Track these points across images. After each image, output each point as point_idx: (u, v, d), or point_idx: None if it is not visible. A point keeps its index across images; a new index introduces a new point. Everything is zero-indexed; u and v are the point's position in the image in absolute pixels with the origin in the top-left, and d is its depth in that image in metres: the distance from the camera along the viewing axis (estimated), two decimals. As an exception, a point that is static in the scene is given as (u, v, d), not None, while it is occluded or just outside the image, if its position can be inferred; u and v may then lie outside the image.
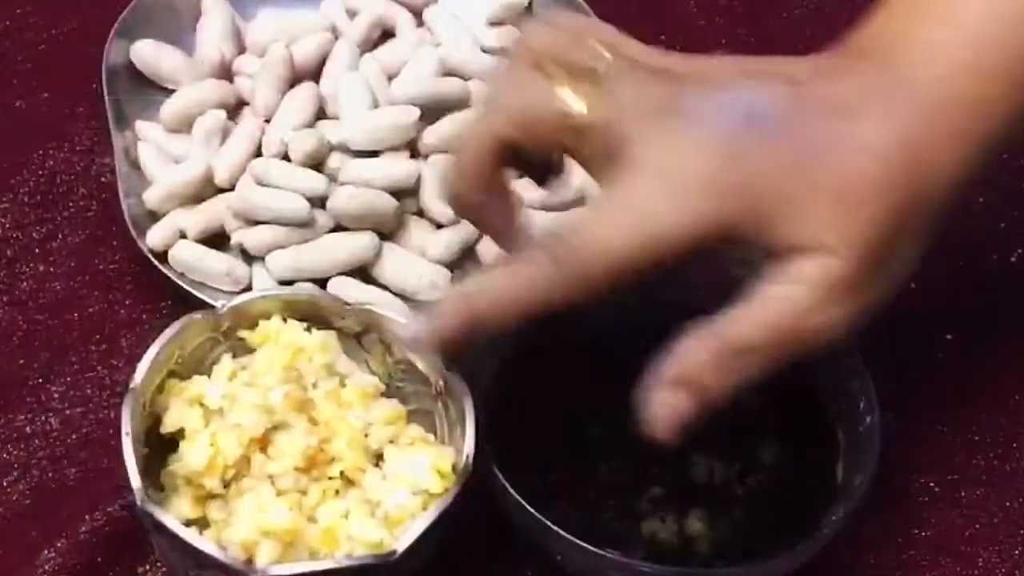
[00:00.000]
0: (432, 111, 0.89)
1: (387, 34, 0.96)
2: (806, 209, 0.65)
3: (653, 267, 0.67)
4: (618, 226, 0.66)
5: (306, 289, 0.82)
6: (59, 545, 0.75)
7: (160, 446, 0.73)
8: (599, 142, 0.67)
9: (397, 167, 0.86)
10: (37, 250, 0.87)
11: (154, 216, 0.86)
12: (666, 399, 0.67)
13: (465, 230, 0.86)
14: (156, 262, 0.84)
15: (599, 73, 0.68)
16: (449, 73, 0.91)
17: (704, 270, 0.82)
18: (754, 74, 0.68)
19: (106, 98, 0.90)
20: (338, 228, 0.85)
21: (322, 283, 0.84)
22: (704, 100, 0.67)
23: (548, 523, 0.71)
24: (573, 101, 0.67)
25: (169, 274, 0.84)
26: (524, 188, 0.87)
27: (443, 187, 0.73)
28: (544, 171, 0.72)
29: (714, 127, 0.66)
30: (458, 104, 0.89)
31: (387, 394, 0.76)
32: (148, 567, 0.76)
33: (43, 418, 0.81)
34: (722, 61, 0.70)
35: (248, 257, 0.85)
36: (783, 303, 0.66)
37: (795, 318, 0.66)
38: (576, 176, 0.90)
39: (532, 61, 0.68)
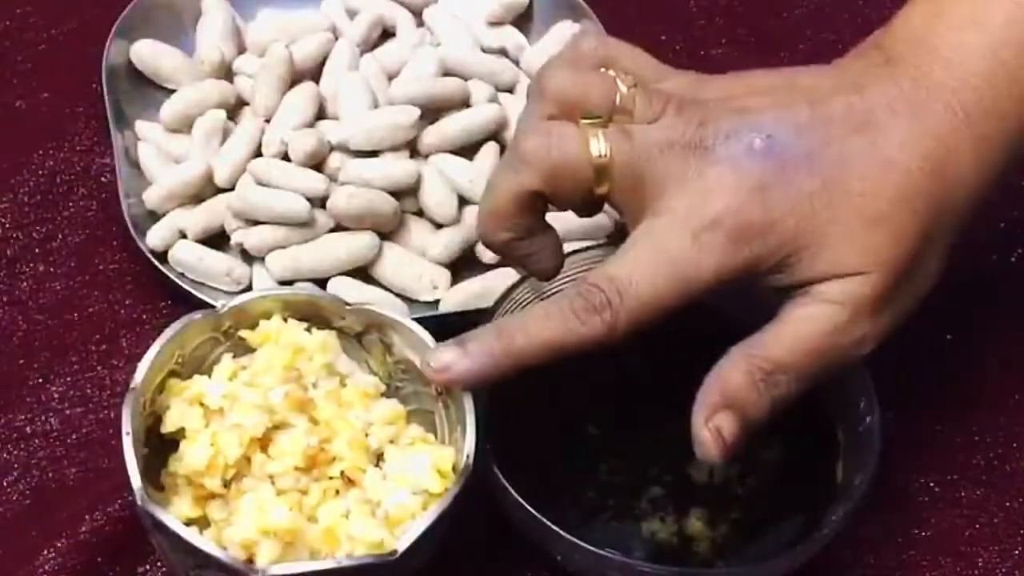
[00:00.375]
0: (432, 111, 0.89)
1: (387, 34, 0.96)
2: (834, 236, 0.66)
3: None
4: (653, 275, 0.67)
5: (306, 289, 0.82)
6: (59, 545, 0.75)
7: (160, 446, 0.73)
8: (625, 183, 0.68)
9: (397, 167, 0.86)
10: (37, 250, 0.87)
11: (154, 216, 0.86)
12: (711, 425, 0.68)
13: (465, 230, 0.86)
14: (156, 262, 0.84)
15: (622, 111, 0.69)
16: (449, 73, 0.91)
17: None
18: (776, 92, 0.69)
19: (106, 98, 0.90)
20: (338, 228, 0.85)
21: (322, 283, 0.84)
22: (726, 135, 0.67)
23: (548, 523, 0.71)
24: (597, 145, 0.68)
25: (169, 274, 0.84)
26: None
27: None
28: (581, 206, 0.72)
29: (737, 164, 0.66)
30: (458, 104, 0.89)
31: (387, 394, 0.76)
32: (148, 567, 0.76)
33: (43, 418, 0.81)
34: (744, 80, 0.70)
35: (248, 257, 0.85)
36: (815, 323, 0.67)
37: (828, 337, 0.67)
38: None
39: (553, 106, 0.69)
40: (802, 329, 0.68)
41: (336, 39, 0.93)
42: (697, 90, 0.70)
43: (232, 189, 0.86)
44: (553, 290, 0.81)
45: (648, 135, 0.68)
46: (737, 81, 0.71)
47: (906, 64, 0.68)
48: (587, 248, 0.82)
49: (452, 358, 0.70)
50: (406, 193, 0.86)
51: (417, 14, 0.96)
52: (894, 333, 0.69)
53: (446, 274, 0.85)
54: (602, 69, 0.70)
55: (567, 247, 0.84)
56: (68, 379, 0.82)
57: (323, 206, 0.85)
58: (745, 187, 0.66)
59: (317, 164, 0.86)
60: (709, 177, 0.66)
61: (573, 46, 0.73)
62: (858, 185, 0.66)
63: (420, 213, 0.87)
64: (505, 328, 0.69)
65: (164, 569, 0.76)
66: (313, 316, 0.76)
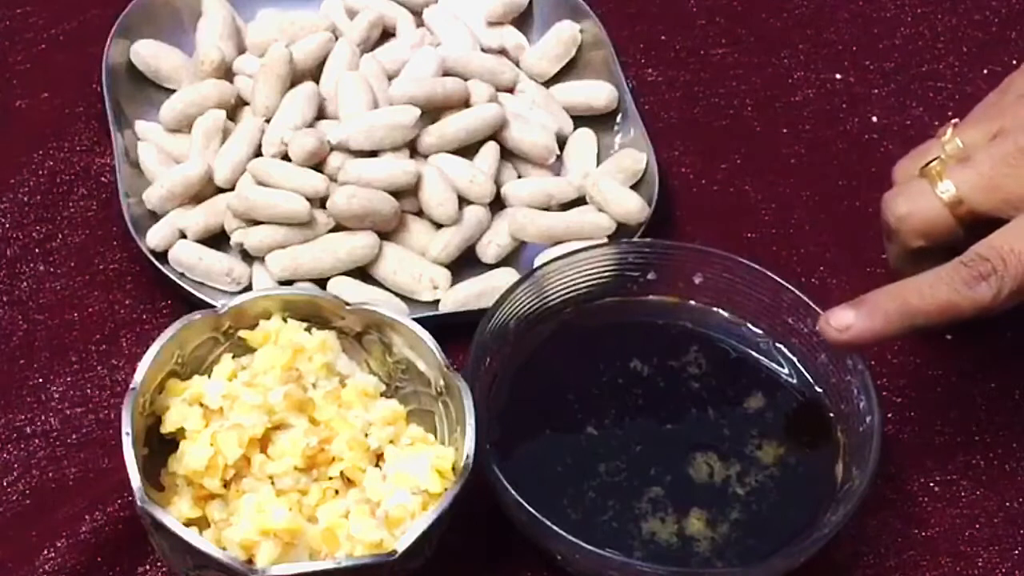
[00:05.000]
0: (432, 111, 0.89)
1: (387, 34, 0.96)
2: None
3: None
4: None
5: (306, 289, 0.82)
6: (59, 545, 0.75)
7: (160, 446, 0.73)
8: (984, 203, 0.74)
9: (397, 167, 0.86)
10: (37, 250, 0.87)
11: (154, 216, 0.86)
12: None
13: (465, 230, 0.86)
14: (156, 262, 0.84)
15: (962, 153, 0.76)
16: (449, 73, 0.91)
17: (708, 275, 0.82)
18: None
19: (106, 98, 0.90)
20: (338, 228, 0.85)
21: (322, 283, 0.84)
22: None
23: (548, 523, 0.71)
24: (943, 186, 0.75)
25: (169, 274, 0.84)
26: (516, 186, 0.88)
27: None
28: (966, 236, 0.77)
29: None
30: (458, 104, 0.89)
31: (387, 394, 0.76)
32: (148, 567, 0.76)
33: (43, 418, 0.81)
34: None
35: (248, 257, 0.85)
36: None
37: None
38: (577, 174, 0.90)
39: (914, 167, 0.77)
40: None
41: (336, 39, 0.92)
42: (1008, 117, 0.76)
43: (232, 189, 0.86)
44: (556, 293, 0.81)
45: (993, 152, 0.74)
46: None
47: None
48: (587, 248, 0.83)
49: (852, 318, 0.73)
50: (406, 193, 0.86)
51: (417, 14, 0.96)
52: None
53: (446, 274, 0.85)
54: None
55: (567, 247, 0.85)
56: (68, 379, 0.82)
57: (323, 206, 0.85)
58: None
59: (317, 164, 0.86)
60: None
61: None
62: None
63: (420, 213, 0.87)
64: (898, 291, 0.74)
65: (164, 569, 0.76)
66: (313, 316, 0.76)
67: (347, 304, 0.76)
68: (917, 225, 0.76)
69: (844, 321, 0.74)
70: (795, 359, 0.80)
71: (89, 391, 0.82)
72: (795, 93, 0.98)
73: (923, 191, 0.75)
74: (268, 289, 0.82)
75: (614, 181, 0.88)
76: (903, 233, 0.76)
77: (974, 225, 0.75)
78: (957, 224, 0.75)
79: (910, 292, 0.73)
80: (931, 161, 0.76)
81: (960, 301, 0.72)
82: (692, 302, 0.82)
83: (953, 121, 0.79)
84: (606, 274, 0.82)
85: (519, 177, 0.90)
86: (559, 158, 0.90)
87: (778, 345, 0.81)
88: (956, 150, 0.77)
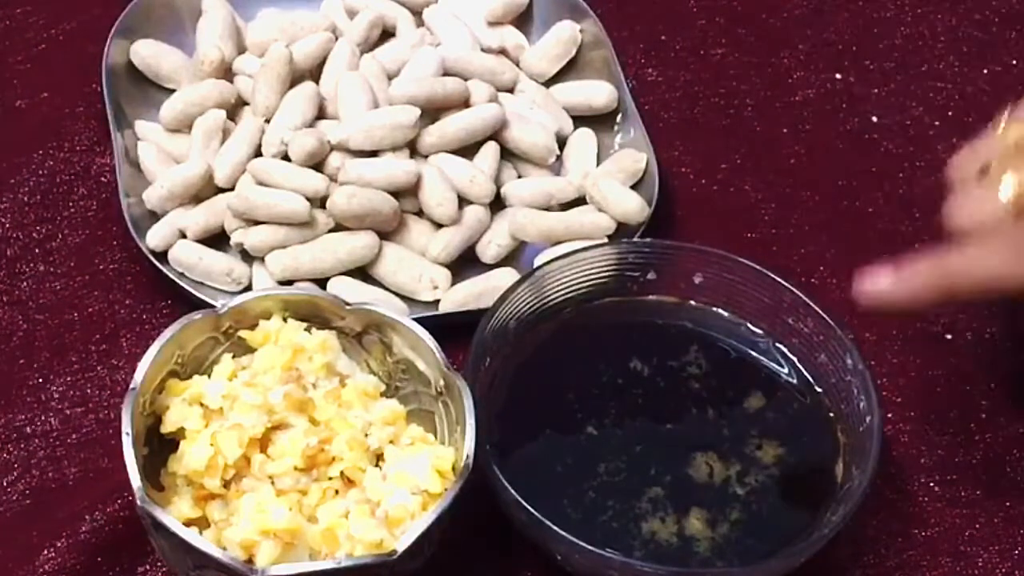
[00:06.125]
0: (432, 111, 0.89)
1: (387, 34, 0.96)
2: None
3: None
4: None
5: (306, 289, 0.82)
6: (59, 545, 0.75)
7: (160, 446, 0.73)
8: None
9: (397, 167, 0.86)
10: (37, 250, 0.87)
11: (154, 216, 0.86)
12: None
13: (465, 230, 0.86)
14: (156, 262, 0.84)
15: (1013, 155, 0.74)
16: (449, 73, 0.91)
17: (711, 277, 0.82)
18: None
19: (106, 98, 0.90)
20: (338, 228, 0.85)
21: (322, 283, 0.84)
22: None
23: (548, 523, 0.71)
24: (1005, 191, 0.72)
25: (169, 274, 0.84)
26: (516, 186, 0.88)
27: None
28: None
29: None
30: (458, 104, 0.89)
31: (387, 394, 0.76)
32: (148, 567, 0.76)
33: (43, 418, 0.81)
34: None
35: (248, 257, 0.85)
36: None
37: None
38: (577, 174, 0.90)
39: (975, 172, 0.75)
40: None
41: (336, 39, 0.92)
42: None
43: (232, 189, 0.86)
44: (556, 293, 0.81)
45: None
46: None
47: None
48: (587, 248, 0.83)
49: (890, 281, 0.72)
50: (406, 193, 0.86)
51: (417, 14, 0.96)
52: None
53: (446, 274, 0.85)
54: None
55: (567, 247, 0.84)
56: (68, 379, 0.82)
57: (323, 206, 0.85)
58: None
59: (317, 164, 0.86)
60: None
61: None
62: None
63: (420, 213, 0.87)
64: (940, 259, 0.72)
65: (164, 569, 0.76)
66: (313, 316, 0.76)
67: (347, 304, 0.76)
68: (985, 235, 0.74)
69: (880, 284, 0.73)
70: (795, 359, 0.80)
71: (89, 391, 0.82)
72: (795, 93, 0.98)
73: (985, 198, 0.74)
74: (268, 289, 0.82)
75: (614, 181, 0.88)
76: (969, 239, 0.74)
77: None
78: (1020, 218, 0.73)
79: (952, 262, 0.72)
80: (988, 166, 0.74)
81: (1005, 276, 0.71)
82: (692, 302, 0.82)
83: (1006, 113, 0.77)
84: (606, 274, 0.82)
85: (519, 177, 0.90)
86: (559, 158, 0.90)
87: (778, 345, 0.81)
88: (1010, 146, 0.74)
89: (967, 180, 0.75)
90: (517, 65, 0.95)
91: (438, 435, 0.75)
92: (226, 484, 0.71)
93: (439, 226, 0.86)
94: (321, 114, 0.89)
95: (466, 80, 0.90)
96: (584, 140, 0.92)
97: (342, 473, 0.72)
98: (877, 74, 1.00)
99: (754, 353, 0.81)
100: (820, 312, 0.78)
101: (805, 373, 0.80)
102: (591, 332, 0.82)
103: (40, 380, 0.82)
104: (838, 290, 0.88)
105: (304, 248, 0.84)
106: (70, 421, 0.81)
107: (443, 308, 0.84)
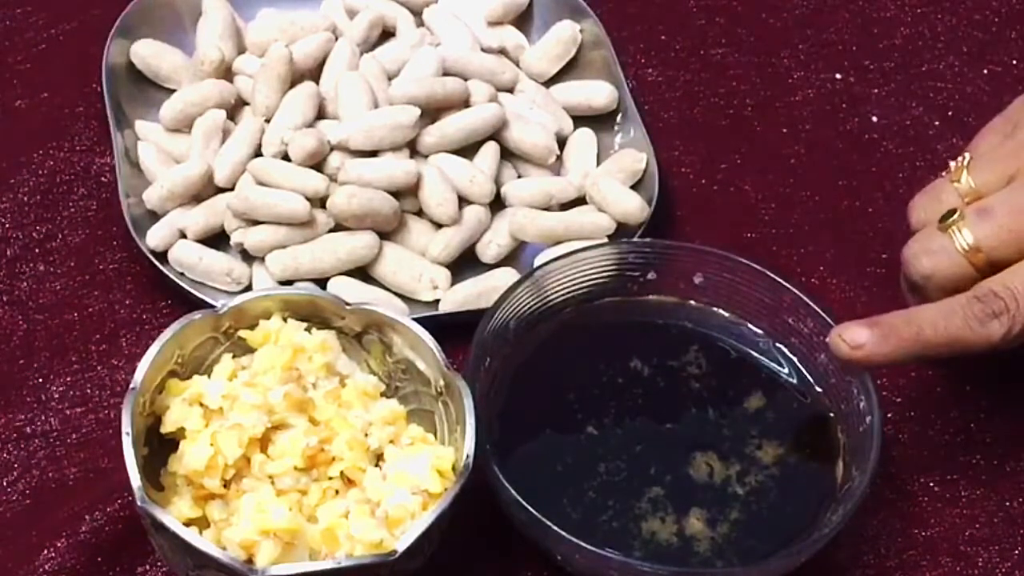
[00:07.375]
0: (432, 111, 0.89)
1: (387, 34, 0.96)
2: None
3: None
4: None
5: (306, 289, 0.82)
6: (59, 545, 0.75)
7: (160, 446, 0.73)
8: (1003, 249, 0.74)
9: (397, 167, 0.86)
10: (37, 250, 0.87)
11: (154, 216, 0.86)
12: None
13: (465, 230, 0.86)
14: (156, 262, 0.84)
15: (976, 194, 0.76)
16: (449, 73, 0.91)
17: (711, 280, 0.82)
18: None
19: (106, 98, 0.90)
20: (338, 228, 0.85)
21: (322, 283, 0.84)
22: None
23: (548, 523, 0.71)
24: (960, 240, 0.74)
25: (169, 274, 0.84)
26: (516, 186, 0.88)
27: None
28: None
29: None
30: (458, 104, 0.89)
31: (387, 394, 0.76)
32: (148, 567, 0.76)
33: (43, 418, 0.81)
34: None
35: (248, 257, 0.85)
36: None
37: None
38: (577, 174, 0.90)
39: (934, 216, 0.76)
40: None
41: (336, 39, 0.92)
42: (1012, 160, 0.76)
43: (232, 189, 0.86)
44: (556, 293, 0.81)
45: (1011, 201, 0.74)
46: None
47: None
48: (587, 248, 0.83)
49: (868, 338, 0.73)
50: (406, 193, 0.86)
51: (417, 14, 0.96)
52: None
53: (446, 274, 0.85)
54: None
55: (567, 247, 0.85)
56: (68, 379, 0.82)
57: (323, 206, 0.85)
58: None
59: (317, 164, 0.86)
60: None
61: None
62: None
63: (420, 213, 0.87)
64: (913, 318, 0.73)
65: (164, 569, 0.76)
66: (313, 316, 0.76)
67: (347, 304, 0.76)
68: (941, 283, 0.75)
69: (858, 339, 0.73)
70: (795, 359, 0.80)
71: (89, 391, 0.82)
72: (795, 93, 0.98)
73: (945, 248, 0.74)
74: (268, 289, 0.82)
75: (614, 181, 0.88)
76: (928, 290, 0.76)
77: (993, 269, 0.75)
78: (977, 273, 0.74)
79: (925, 322, 0.73)
80: (949, 214, 0.75)
81: (970, 336, 0.73)
82: (692, 302, 0.82)
83: (960, 157, 0.78)
84: (606, 274, 0.82)
85: (519, 177, 0.90)
86: (559, 158, 0.90)
87: (778, 345, 0.81)
88: (970, 191, 0.76)
89: (928, 223, 0.76)
90: (517, 65, 0.95)
91: (438, 435, 0.75)
92: (226, 484, 0.71)
93: (439, 226, 0.86)
94: (321, 114, 0.89)
95: (466, 80, 0.90)
96: (584, 140, 0.92)
97: (342, 473, 0.72)
98: (877, 74, 1.00)
99: (754, 353, 0.81)
100: (820, 312, 0.78)
101: (805, 373, 0.80)
102: (591, 332, 0.82)
103: (40, 380, 0.82)
104: (838, 290, 0.88)
105: (304, 248, 0.84)
106: (70, 421, 0.81)
107: (443, 308, 0.84)
